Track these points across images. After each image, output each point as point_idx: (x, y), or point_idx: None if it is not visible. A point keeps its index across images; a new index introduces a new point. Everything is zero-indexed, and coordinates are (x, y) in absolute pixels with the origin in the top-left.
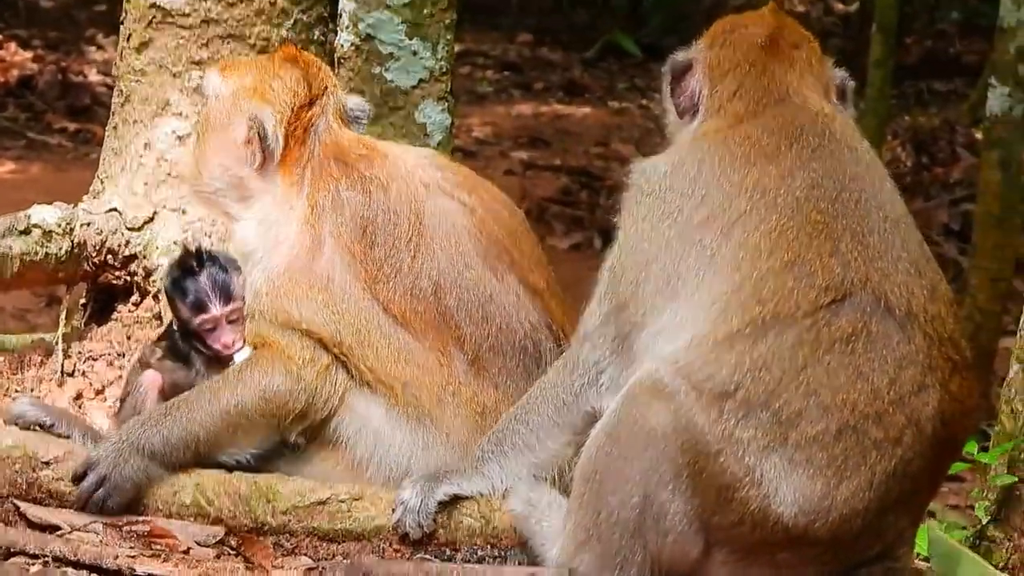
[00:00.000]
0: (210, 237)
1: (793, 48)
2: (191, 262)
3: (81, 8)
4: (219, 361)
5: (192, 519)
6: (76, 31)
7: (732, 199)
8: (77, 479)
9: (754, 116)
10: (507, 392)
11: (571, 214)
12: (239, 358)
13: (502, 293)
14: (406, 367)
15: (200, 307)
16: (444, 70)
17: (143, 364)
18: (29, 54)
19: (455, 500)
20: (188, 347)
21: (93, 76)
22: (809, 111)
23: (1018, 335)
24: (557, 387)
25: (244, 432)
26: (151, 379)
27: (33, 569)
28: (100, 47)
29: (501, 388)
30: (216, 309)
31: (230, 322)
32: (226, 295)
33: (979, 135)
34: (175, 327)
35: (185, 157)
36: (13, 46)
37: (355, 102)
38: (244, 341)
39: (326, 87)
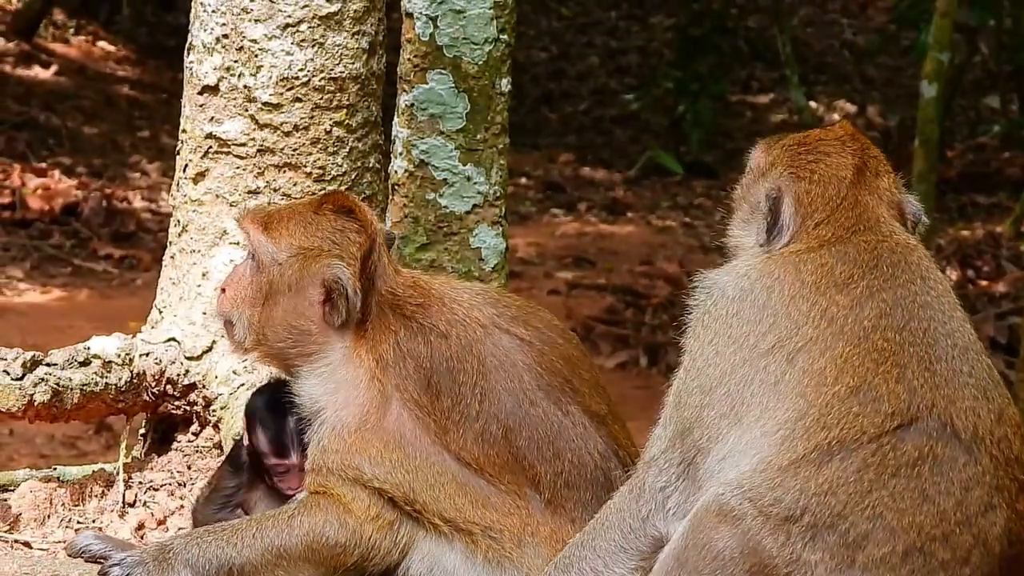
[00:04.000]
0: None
1: (877, 177)
2: (284, 401)
3: (125, 134)
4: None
5: None
6: (120, 157)
7: (800, 327)
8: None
9: (838, 242)
10: (584, 525)
11: (616, 333)
12: (300, 495)
13: (569, 426)
14: (484, 512)
15: (281, 452)
16: (498, 194)
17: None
18: (74, 181)
19: None
20: (255, 471)
21: (138, 202)
22: (892, 241)
23: None
24: (624, 512)
25: (285, 572)
26: None
27: None
28: (144, 173)
29: (578, 522)
30: (295, 457)
31: (302, 469)
32: (305, 445)
33: None
34: (245, 448)
35: (241, 324)
36: (57, 174)
37: (386, 230)
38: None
39: (376, 228)
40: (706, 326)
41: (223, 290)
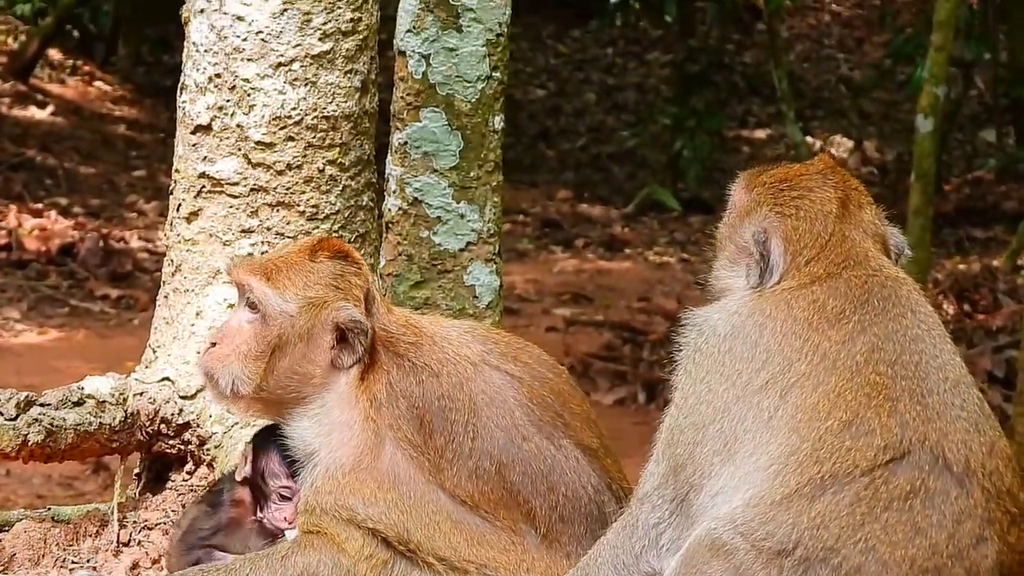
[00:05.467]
0: None
1: (860, 210)
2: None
3: (122, 174)
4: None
5: None
6: (117, 197)
7: (792, 363)
8: None
9: (829, 278)
10: (579, 560)
11: (614, 369)
12: (290, 535)
13: (562, 460)
14: (480, 550)
15: (293, 472)
16: (492, 232)
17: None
18: (70, 222)
19: None
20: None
21: (135, 242)
22: (882, 275)
23: None
24: (617, 549)
25: None
26: None
27: None
28: (141, 213)
29: (573, 556)
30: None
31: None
32: None
33: (1021, 281)
34: (246, 476)
35: (234, 377)
36: (54, 214)
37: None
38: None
39: (367, 269)
40: (698, 363)
41: (212, 344)
